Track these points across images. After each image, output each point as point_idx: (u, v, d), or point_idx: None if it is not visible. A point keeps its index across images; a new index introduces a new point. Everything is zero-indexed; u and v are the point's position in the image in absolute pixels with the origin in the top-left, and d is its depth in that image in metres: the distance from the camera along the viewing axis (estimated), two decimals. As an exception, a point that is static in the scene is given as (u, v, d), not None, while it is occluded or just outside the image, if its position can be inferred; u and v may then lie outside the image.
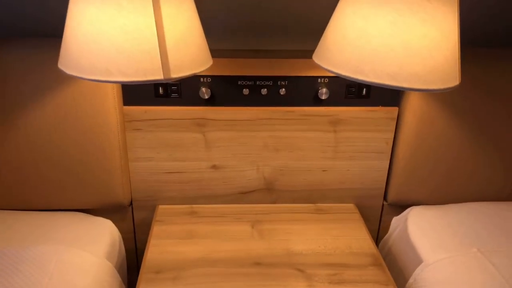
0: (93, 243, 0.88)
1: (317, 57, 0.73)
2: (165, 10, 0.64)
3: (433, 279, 0.83)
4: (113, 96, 0.90)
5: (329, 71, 0.69)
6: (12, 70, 0.85)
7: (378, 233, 1.11)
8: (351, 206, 1.05)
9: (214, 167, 1.00)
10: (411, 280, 0.88)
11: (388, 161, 1.02)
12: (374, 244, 0.92)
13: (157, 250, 0.87)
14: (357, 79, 0.65)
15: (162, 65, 0.64)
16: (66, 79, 0.87)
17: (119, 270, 0.91)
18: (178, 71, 0.66)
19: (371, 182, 1.04)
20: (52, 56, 0.85)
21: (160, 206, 1.02)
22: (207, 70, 0.71)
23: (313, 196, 1.05)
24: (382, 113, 0.97)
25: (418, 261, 0.89)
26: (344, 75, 0.66)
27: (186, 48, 0.67)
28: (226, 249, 0.89)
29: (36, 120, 0.89)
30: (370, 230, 1.08)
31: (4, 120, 0.89)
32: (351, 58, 0.65)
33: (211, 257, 0.86)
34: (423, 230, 0.95)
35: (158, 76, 0.64)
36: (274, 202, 1.05)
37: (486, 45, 1.01)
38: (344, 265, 0.85)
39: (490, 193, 1.03)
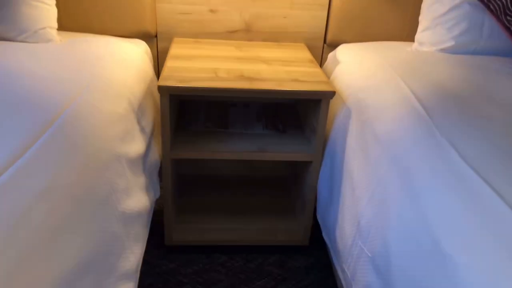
0: (136, 46, 1.40)
1: None
2: None
3: (341, 67, 1.37)
4: (148, -46, 1.40)
5: None
6: None
7: (320, 67, 1.64)
8: (302, 44, 1.58)
9: (211, 11, 1.51)
10: (332, 75, 1.42)
11: (327, 12, 1.54)
12: (312, 56, 1.45)
13: (176, 51, 1.39)
14: None
15: None
16: None
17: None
18: None
19: (315, 28, 1.56)
20: None
21: (175, 38, 1.54)
22: None
23: (277, 37, 1.57)
24: (322, -24, 1.49)
25: (337, 63, 1.42)
26: None
27: None
28: (219, 54, 1.41)
29: (98, -33, 1.39)
30: (315, 65, 1.61)
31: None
32: None
33: (211, 55, 1.39)
34: (344, 53, 1.48)
35: None
36: (251, 40, 1.58)
37: None
38: (292, 61, 1.39)
39: (393, 35, 1.56)
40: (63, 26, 1.45)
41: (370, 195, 0.96)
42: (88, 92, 0.97)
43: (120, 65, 1.19)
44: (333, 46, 1.59)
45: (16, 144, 0.71)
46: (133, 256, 0.93)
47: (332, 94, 1.19)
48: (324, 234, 1.27)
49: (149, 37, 1.53)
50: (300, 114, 1.53)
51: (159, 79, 1.16)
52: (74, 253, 0.67)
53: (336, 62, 1.46)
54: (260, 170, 1.72)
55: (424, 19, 1.40)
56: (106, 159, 0.87)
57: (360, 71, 1.29)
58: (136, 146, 1.05)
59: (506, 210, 0.67)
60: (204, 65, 1.29)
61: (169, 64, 1.28)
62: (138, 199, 1.01)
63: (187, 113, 1.47)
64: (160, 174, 1.29)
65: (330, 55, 1.57)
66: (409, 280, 0.75)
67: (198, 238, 1.41)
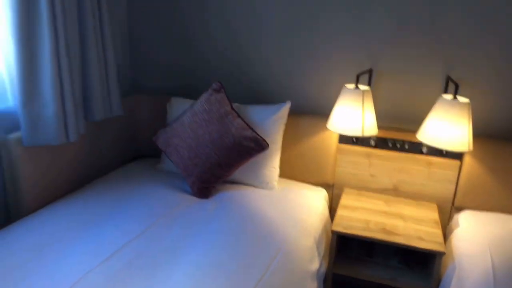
0: (320, 193, 2.24)
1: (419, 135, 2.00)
2: (366, 105, 1.99)
3: (458, 231, 1.96)
4: (336, 141, 2.27)
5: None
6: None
7: (448, 223, 2.23)
8: (434, 205, 2.21)
9: (371, 175, 2.29)
10: (452, 234, 2.01)
11: (455, 185, 2.16)
12: (438, 218, 2.07)
13: (344, 202, 2.19)
14: (423, 143, 1.89)
15: (362, 131, 1.98)
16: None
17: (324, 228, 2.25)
18: (367, 133, 1.99)
19: (445, 194, 2.19)
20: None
21: (346, 188, 2.33)
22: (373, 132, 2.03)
23: (416, 197, 2.25)
24: (451, 163, 2.14)
25: (458, 226, 2.01)
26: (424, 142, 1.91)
27: (369, 126, 2.01)
28: (373, 207, 2.15)
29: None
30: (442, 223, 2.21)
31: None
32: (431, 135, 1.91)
33: (367, 207, 2.14)
34: (465, 218, 2.05)
35: (360, 134, 1.99)
36: (397, 197, 2.28)
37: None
38: (422, 220, 2.04)
39: (509, 206, 2.08)
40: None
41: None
42: (293, 233, 1.82)
43: (311, 212, 2.03)
44: (459, 209, 2.18)
45: (258, 269, 1.56)
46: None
47: (442, 254, 1.81)
48: None
49: (328, 186, 2.37)
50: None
51: (333, 225, 1.96)
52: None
53: (457, 224, 2.05)
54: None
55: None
56: (301, 277, 1.67)
57: (469, 239, 1.88)
58: (315, 264, 1.84)
59: None
60: (361, 216, 2.05)
61: (339, 213, 2.07)
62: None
63: (346, 241, 2.22)
64: (325, 280, 2.05)
65: (455, 216, 2.16)
66: None
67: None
